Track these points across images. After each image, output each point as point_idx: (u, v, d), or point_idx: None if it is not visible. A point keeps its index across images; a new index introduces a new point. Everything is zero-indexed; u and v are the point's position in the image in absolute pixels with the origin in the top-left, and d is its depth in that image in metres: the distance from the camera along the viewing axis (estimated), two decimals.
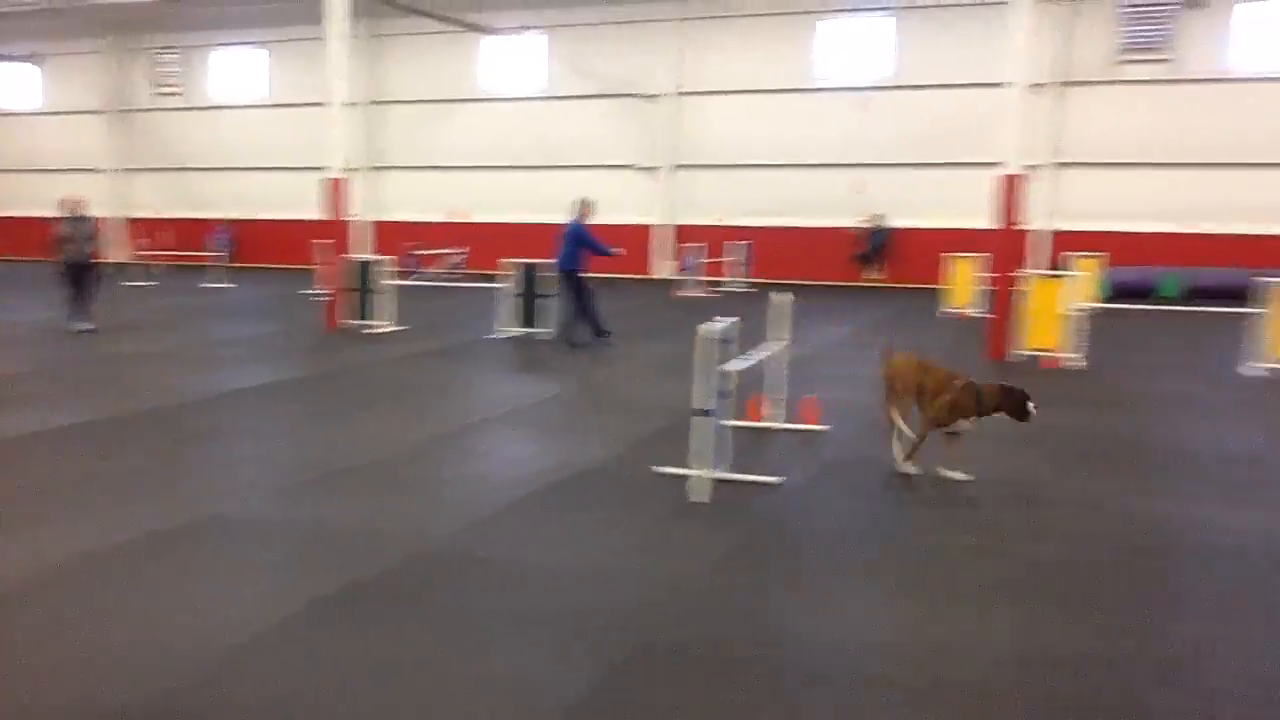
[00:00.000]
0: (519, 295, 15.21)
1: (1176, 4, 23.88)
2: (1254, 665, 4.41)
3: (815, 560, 5.68)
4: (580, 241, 14.05)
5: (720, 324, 6.80)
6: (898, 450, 7.51)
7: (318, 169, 17.08)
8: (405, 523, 6.17)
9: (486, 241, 28.52)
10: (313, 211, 18.36)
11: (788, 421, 8.94)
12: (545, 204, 28.76)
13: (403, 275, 18.95)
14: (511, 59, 30.60)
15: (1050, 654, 4.48)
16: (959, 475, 7.31)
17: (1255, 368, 12.47)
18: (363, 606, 4.87)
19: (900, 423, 7.55)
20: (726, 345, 6.90)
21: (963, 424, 7.26)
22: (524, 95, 30.39)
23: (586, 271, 14.24)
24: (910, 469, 7.42)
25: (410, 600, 4.97)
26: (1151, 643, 4.61)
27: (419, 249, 27.56)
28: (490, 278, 16.69)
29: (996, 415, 7.15)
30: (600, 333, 14.33)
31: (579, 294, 14.23)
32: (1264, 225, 23.62)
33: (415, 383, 11.36)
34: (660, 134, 28.74)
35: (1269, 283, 12.57)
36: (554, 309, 14.87)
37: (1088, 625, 4.82)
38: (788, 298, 9.16)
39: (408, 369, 12.35)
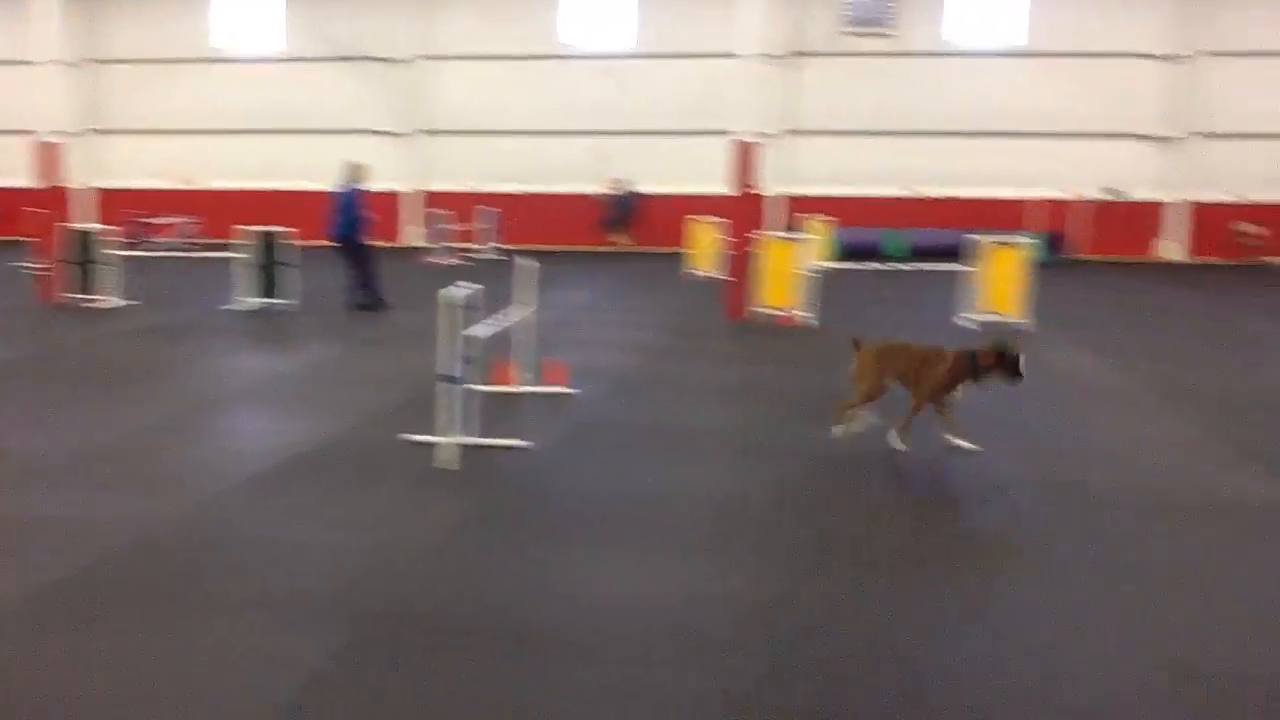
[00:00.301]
0: (259, 265, 14.54)
1: None
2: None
3: (562, 521, 5.78)
4: (351, 207, 13.75)
5: (463, 290, 6.76)
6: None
7: (25, 133, 15.69)
8: (130, 510, 5.81)
9: (222, 210, 27.00)
10: (22, 178, 16.87)
11: (537, 385, 9.01)
12: (286, 171, 27.54)
13: (130, 246, 17.70)
14: (245, 18, 29.01)
15: (750, 597, 4.76)
16: (968, 445, 7.20)
17: (968, 319, 13.53)
18: (84, 601, 4.58)
19: (863, 411, 7.39)
20: (471, 312, 6.87)
21: (957, 393, 7.19)
22: (260, 57, 28.90)
23: (367, 238, 13.93)
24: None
25: (136, 590, 4.71)
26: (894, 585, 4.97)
27: (146, 218, 25.79)
28: (225, 247, 15.85)
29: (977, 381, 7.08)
30: (377, 303, 14.04)
31: (359, 261, 13.91)
32: (977, 189, 25.62)
33: (143, 361, 10.68)
34: (406, 99, 28.08)
35: (978, 241, 13.68)
36: (340, 278, 14.44)
37: (792, 570, 5.14)
38: (534, 264, 9.20)
39: (134, 346, 11.59)
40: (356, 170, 14.07)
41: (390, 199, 27.95)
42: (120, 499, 6.00)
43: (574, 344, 11.41)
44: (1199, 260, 25.08)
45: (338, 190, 14.02)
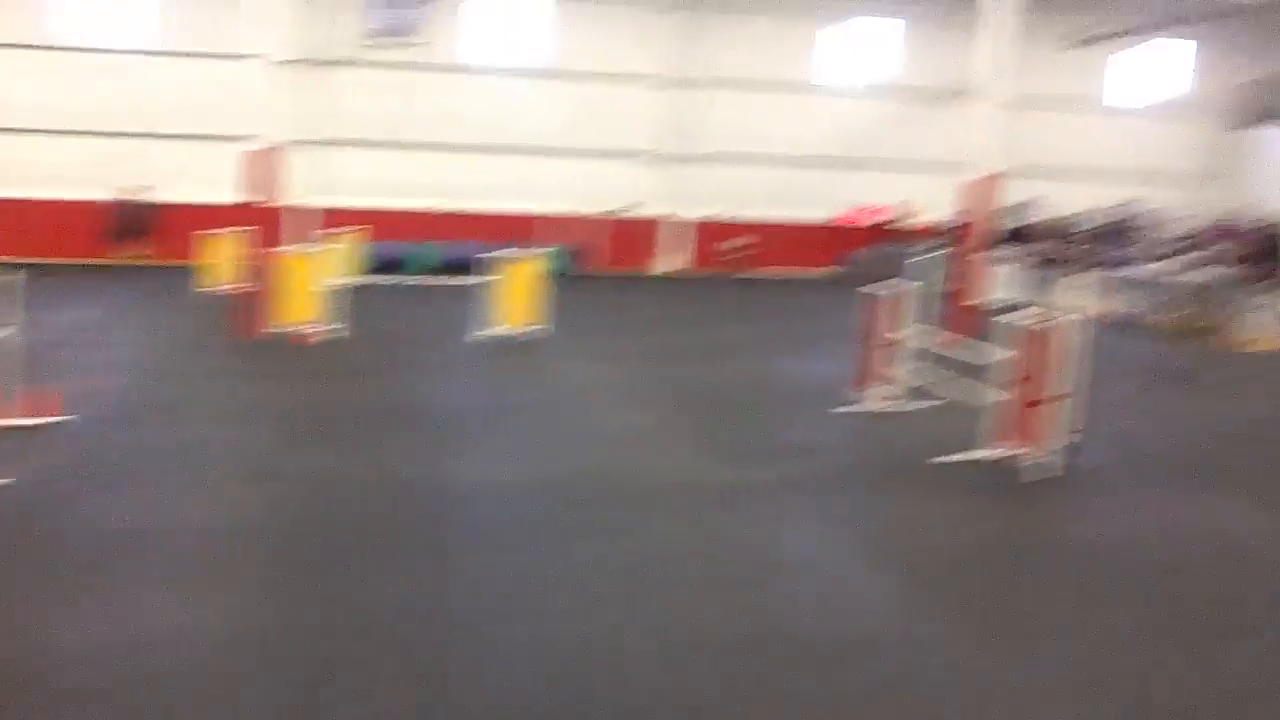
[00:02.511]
0: None
1: None
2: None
3: (44, 564, 5.47)
4: None
5: None
6: None
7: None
8: None
9: None
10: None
11: (21, 415, 8.28)
12: None
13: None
14: None
15: (245, 628, 4.85)
16: None
17: (492, 332, 14.10)
18: None
19: None
20: None
21: None
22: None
23: None
24: None
25: None
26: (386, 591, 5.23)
27: None
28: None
29: None
30: None
31: None
32: (500, 203, 26.71)
33: None
34: None
35: (492, 256, 14.34)
36: None
37: (290, 596, 5.30)
38: (16, 277, 8.40)
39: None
40: None
41: None
42: None
43: (71, 367, 10.59)
44: (698, 272, 27.96)
45: None
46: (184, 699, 4.05)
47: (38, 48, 24.68)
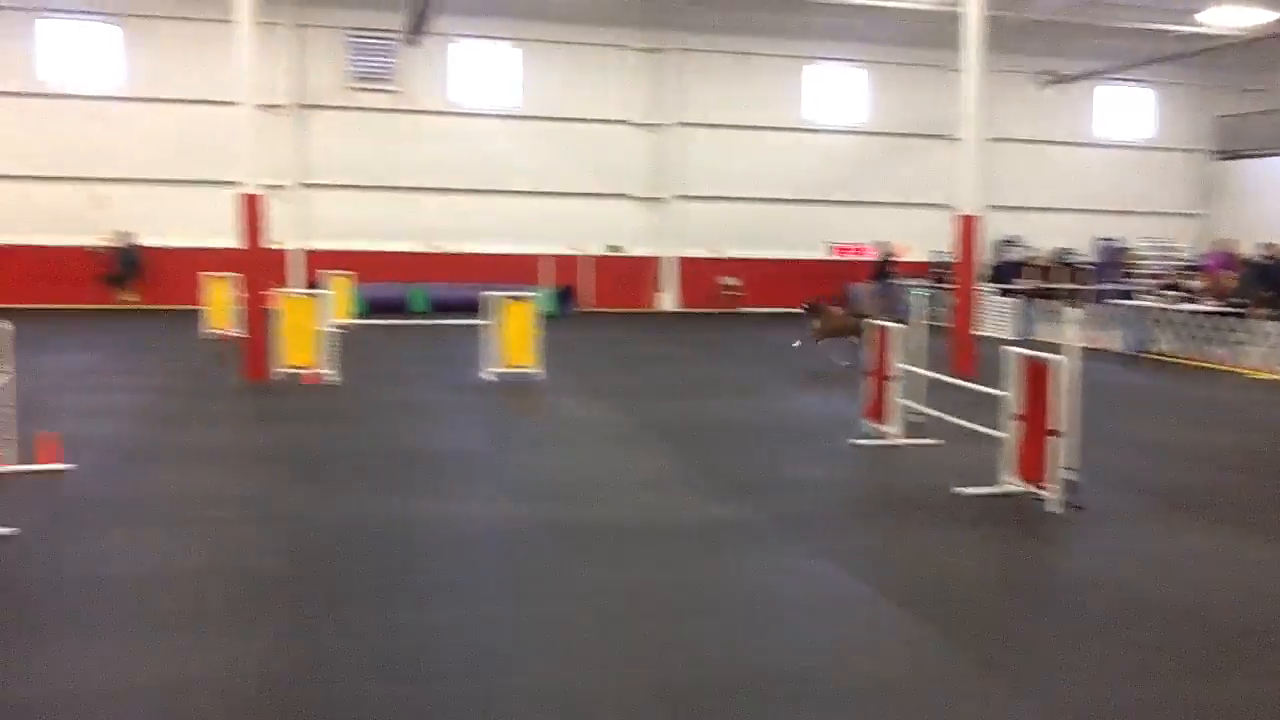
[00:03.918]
0: None
1: (395, 38, 25.80)
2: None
3: (48, 614, 5.34)
4: None
5: None
6: None
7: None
8: None
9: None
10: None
11: (23, 463, 8.17)
12: None
13: None
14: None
15: (256, 675, 4.76)
16: None
17: (489, 373, 14.05)
18: None
19: None
20: None
21: None
22: None
23: None
24: None
25: None
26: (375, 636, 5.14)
27: None
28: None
29: None
30: None
31: None
32: (492, 245, 26.74)
33: None
34: None
35: (494, 296, 14.31)
36: None
37: (302, 645, 5.20)
38: (7, 325, 8.30)
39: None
40: None
41: None
42: None
43: (71, 414, 10.47)
44: (689, 310, 28.01)
45: None
46: None
47: (26, 95, 24.72)
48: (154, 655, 4.81)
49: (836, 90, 28.99)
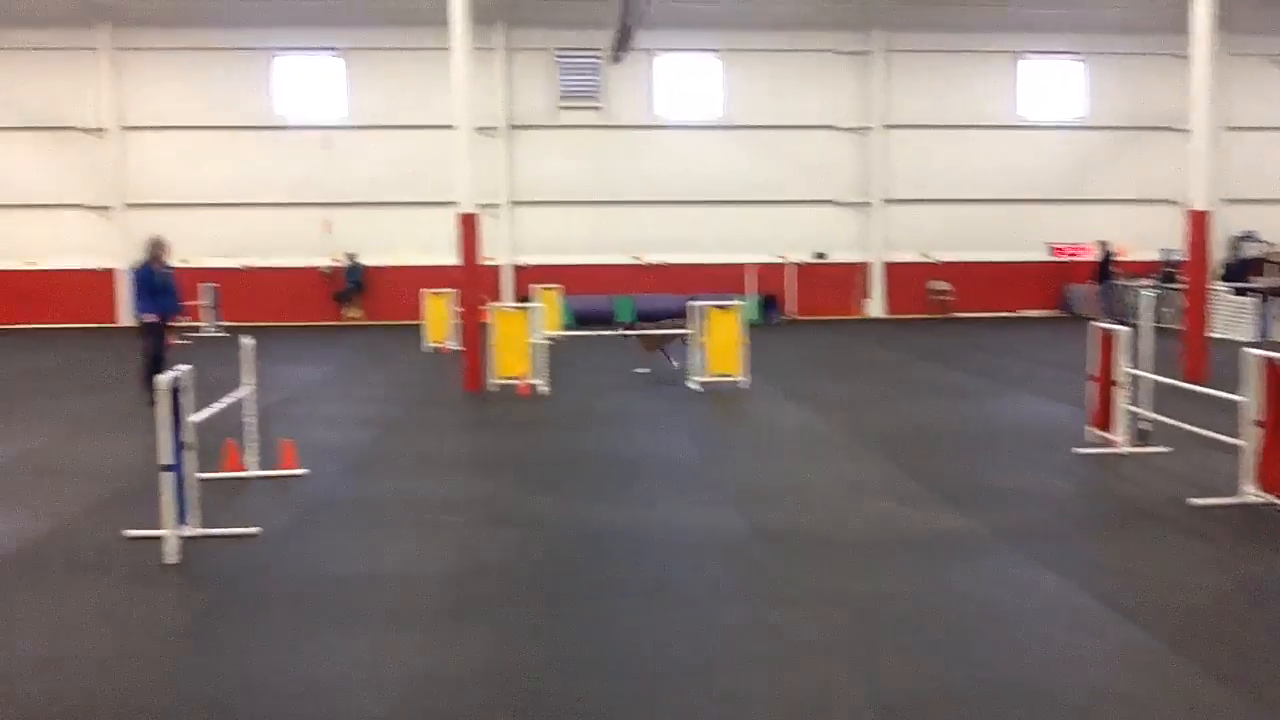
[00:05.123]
0: None
1: (600, 57, 26.33)
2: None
3: (294, 608, 5.64)
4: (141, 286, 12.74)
5: (171, 373, 6.55)
6: None
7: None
8: None
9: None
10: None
11: (264, 468, 8.74)
12: None
13: None
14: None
15: (486, 673, 4.86)
16: None
17: (688, 382, 14.10)
18: None
19: None
20: (180, 395, 6.64)
21: None
22: None
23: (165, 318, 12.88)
24: None
25: None
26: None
27: None
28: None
29: None
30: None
31: (152, 342, 12.76)
32: (697, 255, 26.90)
33: None
34: (108, 171, 26.47)
35: (698, 306, 14.39)
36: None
37: (531, 642, 5.29)
38: (250, 341, 8.91)
39: None
40: (156, 246, 12.98)
41: (98, 278, 26.24)
42: None
43: (306, 422, 11.12)
44: (897, 316, 27.31)
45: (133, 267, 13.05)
46: None
47: (267, 128, 26.61)
48: (401, 649, 5.01)
49: (1053, 84, 27.65)
